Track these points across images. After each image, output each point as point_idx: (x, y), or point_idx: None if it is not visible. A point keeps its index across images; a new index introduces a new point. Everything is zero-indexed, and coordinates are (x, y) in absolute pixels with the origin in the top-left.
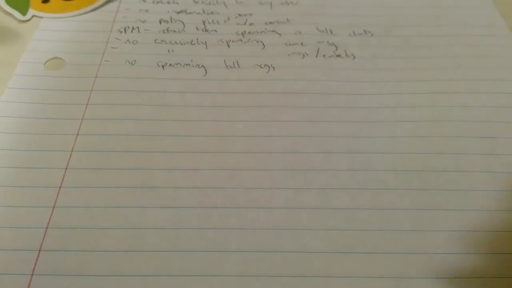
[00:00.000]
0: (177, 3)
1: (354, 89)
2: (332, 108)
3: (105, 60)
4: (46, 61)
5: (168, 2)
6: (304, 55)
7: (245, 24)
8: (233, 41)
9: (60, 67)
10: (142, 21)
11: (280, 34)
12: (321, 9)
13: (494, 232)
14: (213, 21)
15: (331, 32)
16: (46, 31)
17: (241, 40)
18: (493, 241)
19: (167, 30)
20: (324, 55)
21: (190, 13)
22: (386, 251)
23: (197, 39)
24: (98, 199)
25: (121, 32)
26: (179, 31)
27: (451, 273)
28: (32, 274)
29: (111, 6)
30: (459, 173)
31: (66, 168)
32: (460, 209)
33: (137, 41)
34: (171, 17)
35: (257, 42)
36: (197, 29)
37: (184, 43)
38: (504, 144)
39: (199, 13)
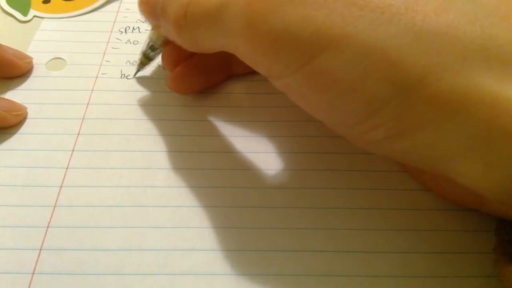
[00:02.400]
0: None
1: None
2: None
3: (106, 61)
4: (47, 61)
5: None
6: None
7: None
8: None
9: (61, 67)
10: (142, 21)
11: None
12: None
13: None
14: None
15: None
16: (47, 32)
17: None
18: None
19: None
20: None
21: None
22: (387, 251)
23: None
24: (98, 198)
25: (121, 32)
26: None
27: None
28: (33, 273)
29: (112, 6)
30: None
31: (67, 168)
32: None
33: (137, 41)
34: None
35: None
36: None
37: None
38: None
39: None
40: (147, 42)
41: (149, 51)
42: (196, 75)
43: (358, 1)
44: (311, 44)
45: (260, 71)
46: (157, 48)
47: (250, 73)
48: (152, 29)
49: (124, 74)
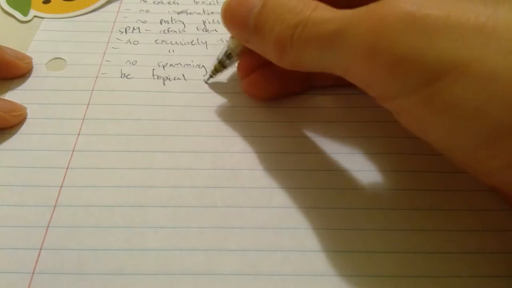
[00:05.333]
0: (178, 4)
1: None
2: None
3: (106, 60)
4: (47, 62)
5: (169, 3)
6: None
7: None
8: None
9: (61, 67)
10: (142, 22)
11: None
12: None
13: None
14: (213, 21)
15: None
16: (47, 32)
17: None
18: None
19: (168, 31)
20: None
21: (190, 13)
22: (386, 251)
23: (197, 39)
24: (98, 198)
25: (121, 32)
26: (179, 32)
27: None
28: (33, 273)
29: (112, 6)
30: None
31: (67, 168)
32: (457, 209)
33: (137, 41)
34: (171, 18)
35: None
36: (197, 29)
37: (185, 43)
38: None
39: (199, 13)
40: (224, 50)
41: (226, 59)
42: (273, 83)
43: (484, 29)
44: (433, 67)
45: (371, 92)
46: (234, 57)
47: (330, 86)
48: (232, 37)
49: (124, 74)
